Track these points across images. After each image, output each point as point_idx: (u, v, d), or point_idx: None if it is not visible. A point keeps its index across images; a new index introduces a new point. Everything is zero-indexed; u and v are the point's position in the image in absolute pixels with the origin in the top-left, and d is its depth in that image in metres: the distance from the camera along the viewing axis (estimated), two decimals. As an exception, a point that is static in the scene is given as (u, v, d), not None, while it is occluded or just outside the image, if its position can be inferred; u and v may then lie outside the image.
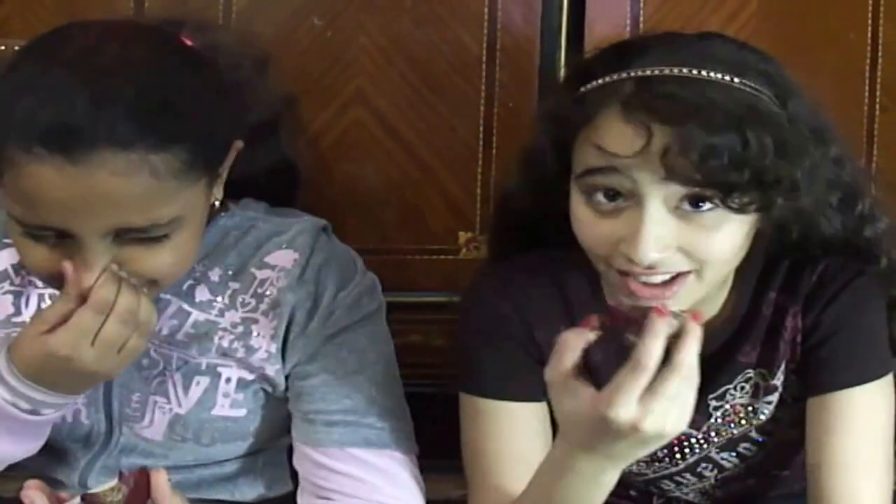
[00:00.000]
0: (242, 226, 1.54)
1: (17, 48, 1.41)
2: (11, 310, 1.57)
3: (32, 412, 1.42)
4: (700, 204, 1.39)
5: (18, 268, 1.57)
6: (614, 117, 1.39)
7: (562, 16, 2.21)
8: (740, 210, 1.40)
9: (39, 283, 1.55)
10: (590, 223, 1.43)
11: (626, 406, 1.29)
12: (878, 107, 2.28)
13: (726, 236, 1.42)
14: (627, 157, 1.37)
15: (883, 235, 1.57)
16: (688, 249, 1.41)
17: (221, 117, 1.40)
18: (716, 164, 1.35)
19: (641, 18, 2.22)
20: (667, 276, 1.42)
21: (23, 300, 1.57)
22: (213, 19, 2.11)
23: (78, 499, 1.34)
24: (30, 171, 1.30)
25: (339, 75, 2.16)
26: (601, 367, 1.42)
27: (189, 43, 1.44)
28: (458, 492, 1.80)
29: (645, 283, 1.42)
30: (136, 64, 1.33)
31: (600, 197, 1.41)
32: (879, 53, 2.27)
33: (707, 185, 1.37)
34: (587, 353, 1.34)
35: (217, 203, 1.47)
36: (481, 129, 2.21)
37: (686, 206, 1.39)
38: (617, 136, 1.39)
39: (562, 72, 2.18)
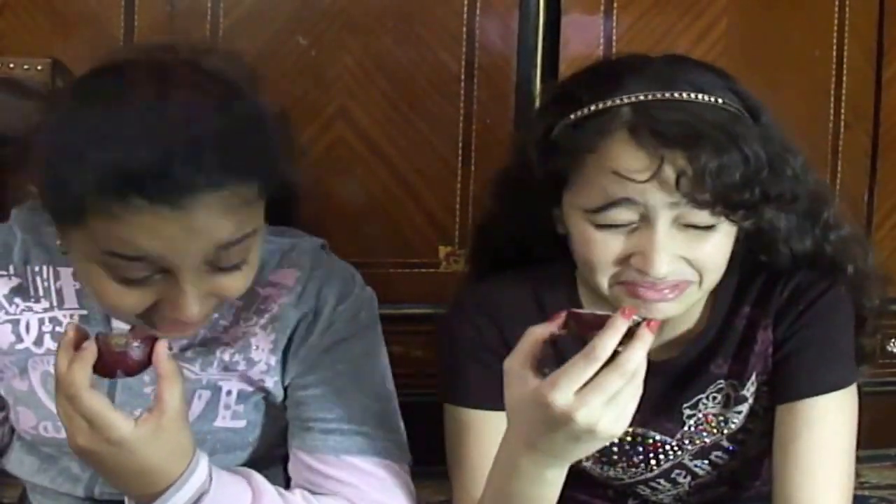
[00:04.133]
0: None
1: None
2: (13, 338, 1.55)
3: None
4: None
5: (11, 297, 1.56)
6: (624, 142, 1.42)
7: (538, 36, 2.22)
8: (738, 222, 1.44)
9: (37, 308, 1.55)
10: (600, 242, 1.46)
11: (564, 392, 1.27)
12: (842, 123, 2.30)
13: (719, 244, 1.46)
14: (644, 182, 1.40)
15: (848, 241, 1.59)
16: (689, 258, 1.45)
17: (269, 143, 1.40)
18: (728, 183, 1.39)
19: (614, 38, 2.24)
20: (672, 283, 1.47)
21: (22, 327, 1.55)
22: (200, 37, 2.14)
23: (92, 340, 1.35)
24: (127, 220, 1.28)
25: (322, 93, 2.17)
26: None
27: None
28: (437, 497, 1.82)
29: (652, 286, 1.46)
30: (207, 106, 1.33)
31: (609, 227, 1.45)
32: (844, 72, 2.28)
33: (719, 203, 1.41)
34: (560, 359, 1.33)
35: None
36: (460, 145, 2.23)
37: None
38: (631, 160, 1.41)
39: (538, 90, 2.20)
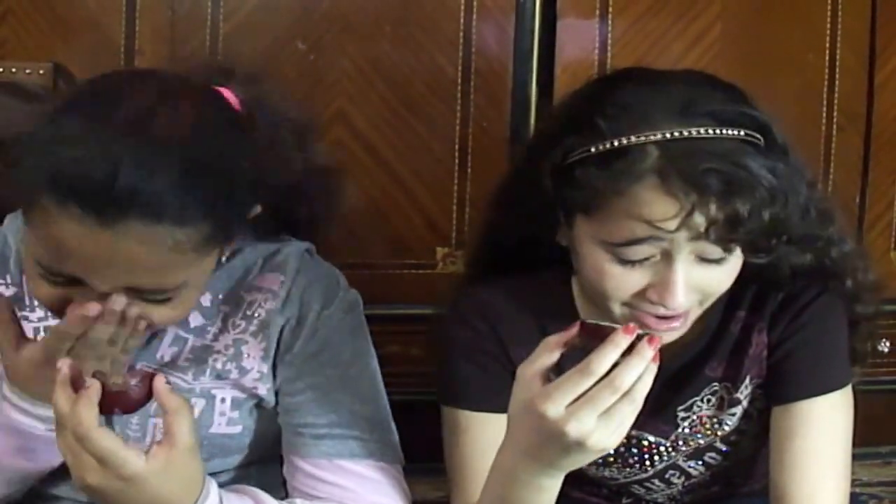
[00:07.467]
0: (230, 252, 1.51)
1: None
2: None
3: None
4: None
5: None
6: (654, 188, 1.38)
7: (533, 40, 2.21)
8: (756, 259, 1.44)
9: (33, 318, 1.54)
10: (618, 276, 1.43)
11: (556, 405, 1.26)
12: (835, 126, 2.30)
13: (730, 272, 1.45)
14: (674, 231, 1.38)
15: (848, 256, 1.58)
16: (704, 289, 1.44)
17: (249, 188, 1.37)
18: (756, 228, 1.38)
19: (609, 42, 2.23)
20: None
21: None
22: (200, 43, 2.13)
23: (95, 380, 1.34)
24: (60, 224, 1.27)
25: (321, 96, 2.16)
26: None
27: (234, 101, 1.42)
28: (434, 494, 1.82)
29: (663, 317, 1.45)
30: (184, 137, 1.30)
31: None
32: (837, 75, 2.28)
33: (746, 247, 1.41)
34: (561, 367, 1.32)
35: None
36: (457, 148, 2.22)
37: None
38: (661, 208, 1.37)
39: (534, 94, 2.20)
